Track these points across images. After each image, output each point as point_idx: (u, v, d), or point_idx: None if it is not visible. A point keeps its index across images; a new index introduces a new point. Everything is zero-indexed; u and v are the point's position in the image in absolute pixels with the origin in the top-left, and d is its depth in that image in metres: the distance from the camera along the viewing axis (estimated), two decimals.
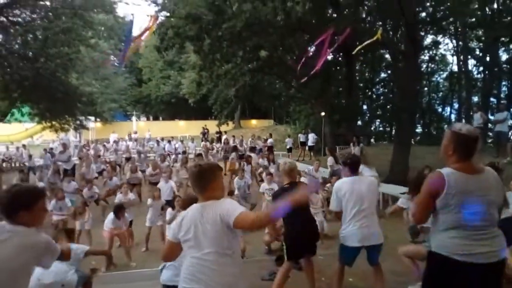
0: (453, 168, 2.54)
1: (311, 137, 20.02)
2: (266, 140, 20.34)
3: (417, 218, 2.79)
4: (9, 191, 2.28)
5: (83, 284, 4.05)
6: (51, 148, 16.59)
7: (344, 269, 4.17)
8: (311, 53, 9.61)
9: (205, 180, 2.45)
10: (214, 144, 21.24)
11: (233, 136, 22.08)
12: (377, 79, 28.30)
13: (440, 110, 32.34)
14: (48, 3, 12.77)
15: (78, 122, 14.99)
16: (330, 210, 5.01)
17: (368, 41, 6.53)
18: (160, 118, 43.16)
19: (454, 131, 2.58)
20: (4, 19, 12.98)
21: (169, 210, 6.92)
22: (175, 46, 12.14)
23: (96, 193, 9.91)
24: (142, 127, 32.50)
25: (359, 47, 7.89)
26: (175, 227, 2.47)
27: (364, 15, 18.73)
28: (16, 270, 2.13)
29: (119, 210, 6.85)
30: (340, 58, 16.44)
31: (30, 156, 14.92)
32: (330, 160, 12.86)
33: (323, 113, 18.58)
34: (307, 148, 20.20)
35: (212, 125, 29.22)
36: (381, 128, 28.40)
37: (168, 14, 13.01)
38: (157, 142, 20.13)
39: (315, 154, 19.98)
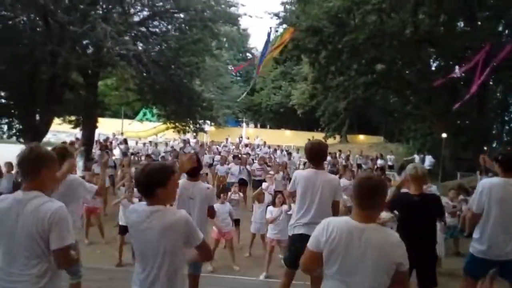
0: None
1: (428, 159, 18.32)
2: (376, 159, 18.98)
3: None
4: (143, 170, 2.34)
5: None
6: (172, 146, 18.33)
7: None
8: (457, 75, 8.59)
9: (379, 197, 2.12)
10: None
11: (340, 151, 21.48)
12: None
13: None
14: (182, 15, 14.16)
15: (197, 125, 16.26)
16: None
17: None
18: (268, 126, 44.43)
19: None
20: (145, 30, 14.83)
21: (270, 208, 6.74)
22: (293, 58, 12.34)
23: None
24: (251, 134, 33.91)
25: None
26: (318, 235, 2.18)
27: (501, 28, 16.58)
28: (166, 251, 2.22)
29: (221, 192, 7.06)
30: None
31: (155, 151, 16.71)
32: None
33: (444, 134, 16.87)
34: None
35: (317, 137, 28.82)
36: None
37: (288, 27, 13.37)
38: (264, 143, 20.87)
39: (431, 179, 18.16)
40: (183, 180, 4.20)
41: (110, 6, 13.17)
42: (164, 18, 14.26)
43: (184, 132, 16.90)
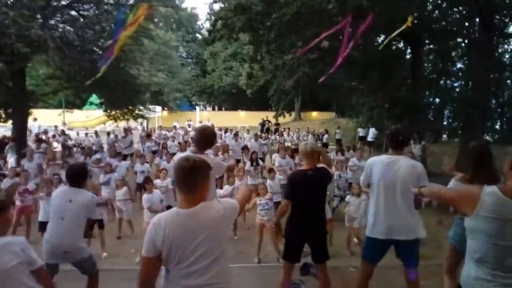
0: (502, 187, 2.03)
1: (371, 131, 19.01)
2: (321, 136, 19.40)
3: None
4: None
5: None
6: (116, 135, 17.65)
7: (369, 270, 3.63)
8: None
9: (195, 179, 2.09)
10: (268, 135, 20.83)
11: (288, 129, 21.78)
12: (453, 70, 25.91)
13: None
14: None
15: (137, 111, 15.66)
16: None
17: (398, 31, 5.67)
18: (223, 108, 44.09)
19: None
20: (75, 13, 13.96)
21: None
22: (223, 38, 12.07)
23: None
24: (206, 117, 33.46)
25: (387, 39, 6.85)
26: (153, 238, 2.07)
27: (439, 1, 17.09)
28: None
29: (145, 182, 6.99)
30: (402, 47, 15.19)
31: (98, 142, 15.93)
32: None
33: (386, 105, 17.40)
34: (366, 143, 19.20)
35: (270, 116, 29.12)
36: (454, 124, 26.04)
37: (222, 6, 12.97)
38: (212, 126, 20.53)
39: (375, 150, 18.94)
40: (63, 187, 4.04)
41: None
42: (93, 1, 13.40)
43: (124, 119, 16.26)
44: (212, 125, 21.78)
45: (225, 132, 20.02)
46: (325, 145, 17.93)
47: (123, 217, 8.00)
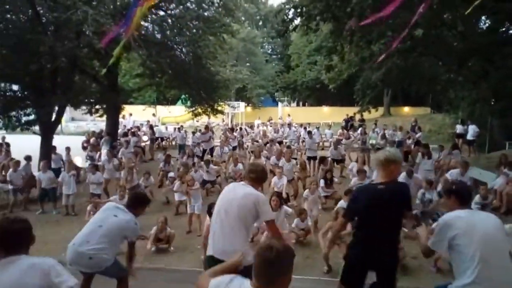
0: None
1: (471, 129, 16.61)
2: (408, 133, 17.30)
3: None
4: None
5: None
6: (200, 130, 18.27)
7: None
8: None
9: (278, 274, 1.74)
10: (351, 133, 19.66)
11: (375, 124, 20.25)
12: None
13: None
14: None
15: (215, 107, 15.91)
16: None
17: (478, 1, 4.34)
18: (307, 104, 43.28)
19: None
20: (163, 13, 14.62)
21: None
22: (296, 29, 11.42)
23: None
24: (287, 112, 33.11)
25: (474, 4, 5.16)
26: None
27: None
28: None
29: None
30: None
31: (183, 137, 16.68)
32: None
33: (492, 101, 15.13)
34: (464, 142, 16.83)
35: (356, 112, 27.66)
36: None
37: None
38: (289, 125, 20.19)
39: (475, 151, 16.57)
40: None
41: None
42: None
43: (206, 114, 16.69)
44: (289, 123, 21.45)
45: (305, 128, 19.29)
46: (421, 144, 15.06)
47: (194, 211, 8.22)
